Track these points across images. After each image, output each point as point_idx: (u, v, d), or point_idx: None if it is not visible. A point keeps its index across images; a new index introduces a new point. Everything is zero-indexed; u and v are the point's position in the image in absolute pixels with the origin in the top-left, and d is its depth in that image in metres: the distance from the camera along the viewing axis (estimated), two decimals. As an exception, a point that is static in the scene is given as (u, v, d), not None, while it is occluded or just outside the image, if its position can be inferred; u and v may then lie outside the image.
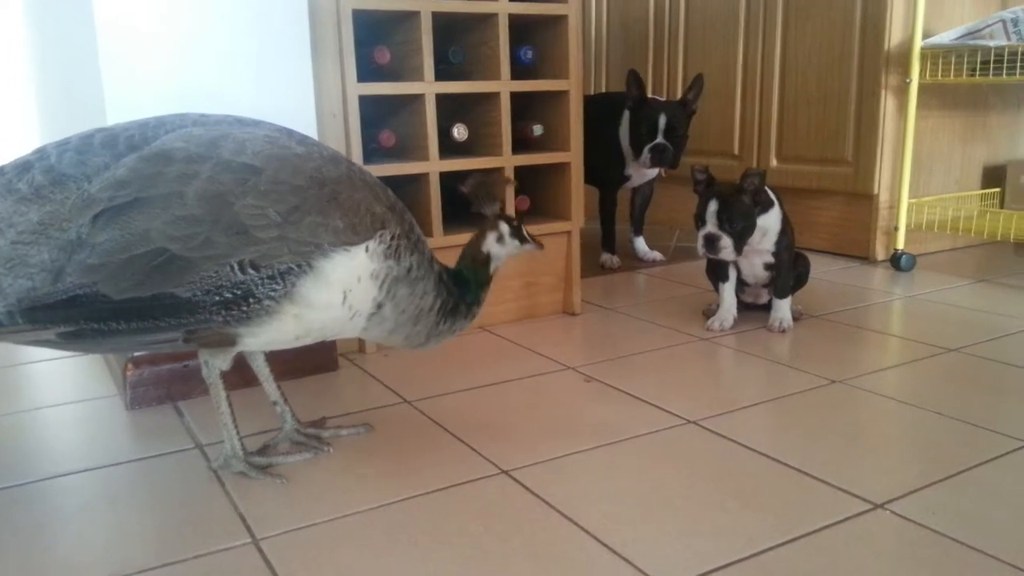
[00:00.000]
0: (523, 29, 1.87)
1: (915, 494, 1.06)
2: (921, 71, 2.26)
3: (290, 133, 1.12)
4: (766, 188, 1.75)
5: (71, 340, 1.01)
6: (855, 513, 1.02)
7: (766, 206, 1.74)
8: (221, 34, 1.41)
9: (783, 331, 1.78)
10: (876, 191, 2.42)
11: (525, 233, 1.25)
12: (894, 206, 2.40)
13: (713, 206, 1.70)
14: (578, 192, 1.91)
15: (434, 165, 1.69)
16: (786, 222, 1.79)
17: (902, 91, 2.34)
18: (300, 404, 1.40)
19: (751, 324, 1.85)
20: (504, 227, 1.22)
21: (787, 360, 1.61)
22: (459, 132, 1.77)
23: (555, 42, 1.85)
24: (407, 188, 1.73)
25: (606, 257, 2.50)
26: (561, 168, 1.90)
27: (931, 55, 2.26)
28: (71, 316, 0.99)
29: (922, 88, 2.30)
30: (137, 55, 1.35)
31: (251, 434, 1.28)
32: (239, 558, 0.95)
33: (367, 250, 1.06)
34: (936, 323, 1.84)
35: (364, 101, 1.61)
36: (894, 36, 2.32)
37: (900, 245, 2.35)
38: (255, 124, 1.12)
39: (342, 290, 1.06)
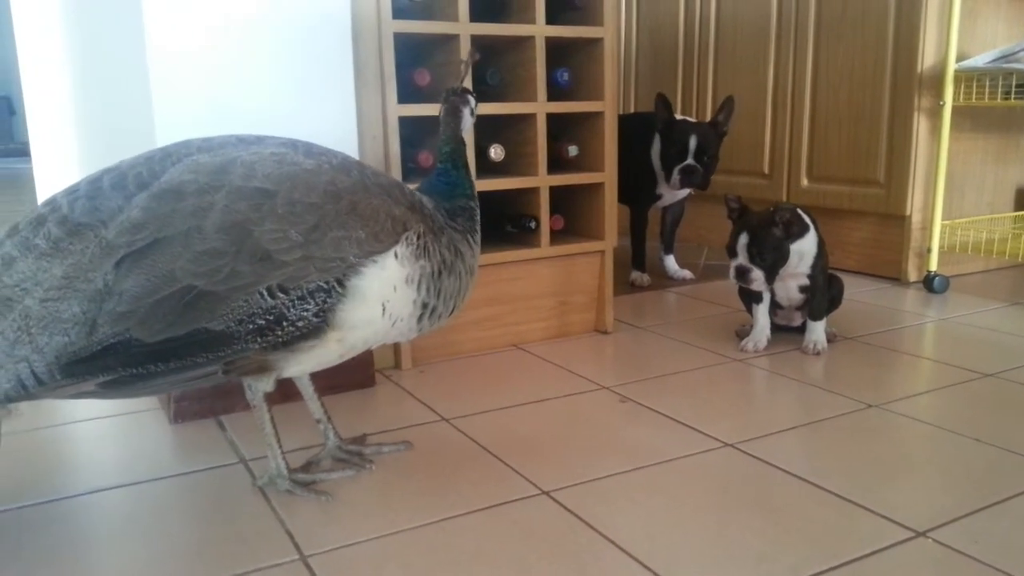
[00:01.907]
0: (559, 51, 1.89)
1: (957, 522, 1.06)
2: (955, 94, 2.26)
3: (295, 145, 1.11)
4: (800, 212, 1.76)
5: (111, 388, 1.01)
6: (897, 541, 1.02)
7: (801, 231, 1.74)
8: (267, 58, 1.44)
9: (818, 353, 1.78)
10: (908, 212, 2.41)
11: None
12: (927, 227, 2.40)
13: (744, 239, 1.71)
14: (611, 212, 1.92)
15: (471, 185, 1.71)
16: (821, 245, 1.79)
17: (935, 113, 2.33)
18: (338, 421, 1.42)
19: (785, 345, 1.85)
20: (473, 100, 1.25)
21: (822, 383, 1.61)
22: (496, 152, 1.79)
23: (591, 64, 1.87)
24: (444, 207, 1.75)
25: (636, 275, 2.51)
26: (595, 188, 1.91)
27: (964, 78, 2.26)
28: (109, 365, 0.98)
29: (955, 110, 2.29)
30: (186, 80, 1.38)
31: (293, 450, 1.31)
32: (288, 575, 0.97)
33: (396, 256, 1.06)
34: (971, 347, 1.83)
35: (403, 122, 1.63)
36: (927, 58, 2.32)
37: (933, 267, 2.35)
38: (258, 141, 1.11)
39: (380, 303, 1.07)
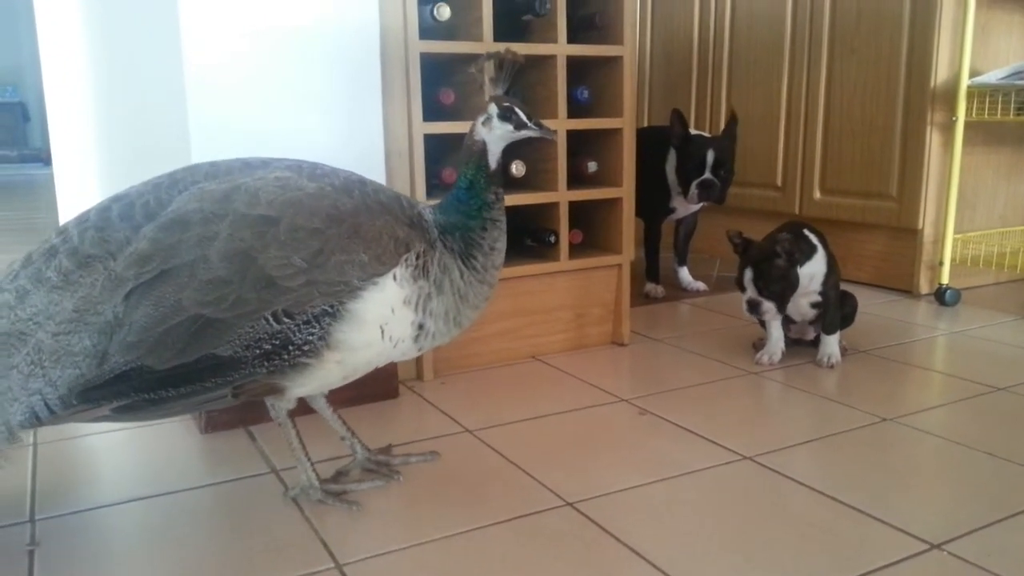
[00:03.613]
0: (579, 69, 1.93)
1: (971, 535, 1.09)
2: (967, 109, 2.29)
3: (300, 168, 1.13)
4: (807, 232, 1.78)
5: (125, 412, 1.04)
6: (912, 553, 1.05)
7: (809, 253, 1.76)
8: (298, 79, 1.48)
9: (831, 367, 1.81)
10: (921, 225, 2.44)
11: (522, 117, 1.15)
12: (938, 241, 2.43)
13: (749, 273, 1.73)
14: (629, 227, 1.96)
15: (493, 200, 1.75)
16: (831, 261, 1.82)
17: (948, 128, 2.36)
18: (364, 431, 1.45)
19: (799, 359, 1.88)
20: (492, 107, 1.15)
21: (837, 396, 1.64)
22: (517, 168, 1.83)
23: (610, 82, 1.91)
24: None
25: (651, 287, 2.54)
26: (613, 203, 1.95)
27: (977, 93, 2.29)
28: (122, 391, 1.01)
29: (967, 125, 2.32)
30: (220, 100, 1.42)
31: (321, 460, 1.34)
32: (325, 582, 1.01)
33: (395, 278, 1.08)
34: (983, 360, 1.86)
35: (428, 139, 1.67)
36: (940, 74, 2.35)
37: (945, 280, 2.37)
38: (263, 165, 1.13)
39: (379, 326, 1.08)
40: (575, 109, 1.88)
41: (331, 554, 1.07)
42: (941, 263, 2.39)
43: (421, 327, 1.13)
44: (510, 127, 1.15)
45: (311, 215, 1.04)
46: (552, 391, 1.70)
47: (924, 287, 2.50)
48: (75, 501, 1.23)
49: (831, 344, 1.84)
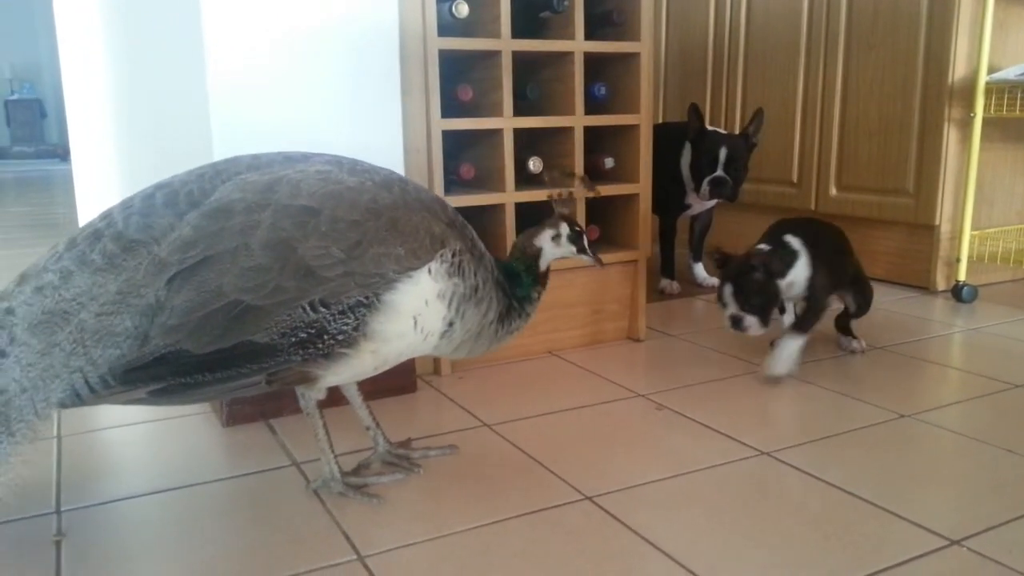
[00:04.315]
0: (596, 65, 1.94)
1: (992, 531, 1.10)
2: (985, 105, 2.28)
3: (340, 163, 1.15)
4: (788, 239, 1.73)
5: (161, 396, 1.06)
6: (932, 549, 1.06)
7: (789, 262, 1.70)
8: (319, 76, 1.49)
9: (768, 377, 1.72)
10: (937, 222, 2.44)
11: (585, 243, 1.27)
12: (955, 237, 2.42)
13: (729, 289, 1.67)
14: (645, 223, 1.96)
15: (510, 196, 1.77)
16: (816, 263, 1.74)
17: (965, 124, 2.36)
18: (384, 425, 1.46)
19: (815, 355, 1.88)
20: (564, 227, 1.26)
21: (854, 393, 1.64)
22: (534, 165, 1.83)
23: (627, 78, 1.92)
24: (484, 218, 1.80)
25: (666, 283, 2.55)
26: (630, 199, 1.96)
27: (995, 89, 2.28)
28: (159, 374, 1.03)
29: (985, 121, 2.31)
30: (243, 94, 1.44)
31: (343, 453, 1.35)
32: (347, 574, 1.02)
33: (430, 271, 1.10)
34: (1001, 357, 1.86)
35: (446, 136, 1.68)
36: (958, 70, 2.34)
37: (962, 277, 2.37)
38: (304, 159, 1.16)
39: (412, 316, 1.10)
40: (592, 105, 1.88)
41: (353, 546, 1.08)
42: (958, 259, 2.38)
43: (451, 324, 1.15)
44: (574, 249, 1.27)
45: (351, 208, 1.07)
46: (569, 386, 1.71)
47: (941, 283, 2.49)
48: (99, 493, 1.25)
49: (788, 346, 1.72)
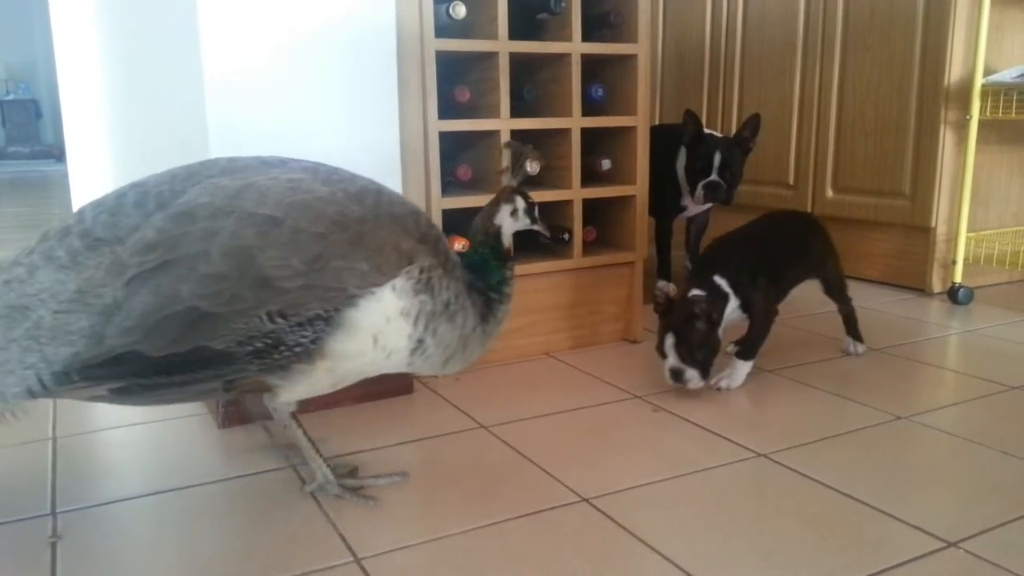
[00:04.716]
0: (593, 66, 1.94)
1: (988, 533, 1.10)
2: (981, 107, 2.29)
3: (315, 170, 1.13)
4: (716, 280, 1.66)
5: (122, 395, 1.05)
6: (929, 551, 1.06)
7: (722, 307, 1.63)
8: (316, 78, 1.49)
9: (719, 389, 1.67)
10: (933, 224, 2.44)
11: (537, 214, 1.28)
12: (951, 239, 2.43)
13: (671, 339, 1.59)
14: (642, 224, 1.96)
15: (507, 198, 1.76)
16: (748, 291, 1.67)
17: (961, 126, 2.36)
18: (379, 427, 1.47)
19: (811, 356, 1.89)
20: (519, 201, 1.25)
21: (851, 394, 1.64)
22: (531, 166, 1.83)
23: (624, 80, 1.92)
24: (480, 219, 1.80)
25: (662, 285, 2.54)
26: (626, 201, 1.96)
27: (991, 92, 2.29)
28: (118, 373, 1.02)
29: (981, 123, 2.32)
30: (238, 98, 1.43)
31: (334, 456, 1.35)
32: (344, 576, 1.02)
33: (393, 288, 1.09)
34: (996, 359, 1.86)
35: (443, 137, 1.68)
36: (954, 72, 2.35)
37: (958, 279, 2.37)
38: (281, 164, 1.14)
39: (372, 335, 1.09)
40: (589, 107, 1.89)
41: (350, 548, 1.08)
42: (954, 261, 2.39)
43: (420, 342, 1.14)
44: (528, 221, 1.28)
45: (316, 219, 1.05)
46: (566, 388, 1.71)
47: (937, 286, 2.50)
48: (95, 494, 1.24)
49: (740, 368, 1.69)
